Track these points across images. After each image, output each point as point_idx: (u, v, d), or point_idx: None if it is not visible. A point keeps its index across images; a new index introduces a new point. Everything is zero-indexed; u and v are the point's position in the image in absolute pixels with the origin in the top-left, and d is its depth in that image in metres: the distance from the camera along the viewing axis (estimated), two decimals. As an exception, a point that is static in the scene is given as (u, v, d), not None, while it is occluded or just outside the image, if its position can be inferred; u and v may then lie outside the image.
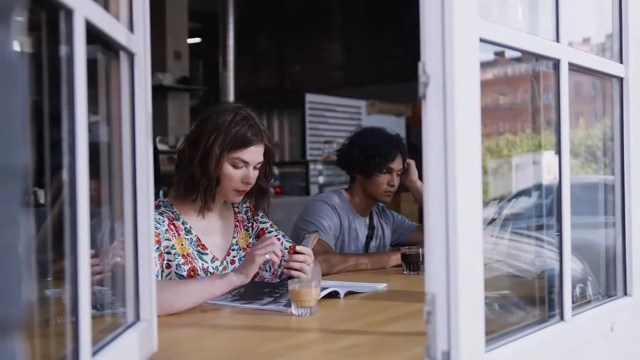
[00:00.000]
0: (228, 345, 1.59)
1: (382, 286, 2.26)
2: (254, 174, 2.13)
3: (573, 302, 1.47)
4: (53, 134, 0.97)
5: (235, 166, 2.09)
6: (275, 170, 7.32)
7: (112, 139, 1.30)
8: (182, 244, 2.09)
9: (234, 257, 2.21)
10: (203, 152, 2.06)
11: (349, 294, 2.09)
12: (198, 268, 2.09)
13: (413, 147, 3.99)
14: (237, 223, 2.27)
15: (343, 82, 8.88)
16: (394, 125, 6.65)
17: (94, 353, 1.04)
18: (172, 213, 2.12)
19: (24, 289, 0.55)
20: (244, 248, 2.25)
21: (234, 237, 2.24)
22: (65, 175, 0.95)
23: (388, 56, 8.50)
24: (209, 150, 2.06)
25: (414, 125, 7.74)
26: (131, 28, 1.30)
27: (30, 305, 0.57)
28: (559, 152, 1.44)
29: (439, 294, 1.10)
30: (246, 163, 2.10)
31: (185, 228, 2.12)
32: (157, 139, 6.33)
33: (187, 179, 2.10)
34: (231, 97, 7.28)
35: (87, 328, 0.98)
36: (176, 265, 2.04)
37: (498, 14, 1.48)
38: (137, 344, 1.26)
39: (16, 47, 0.56)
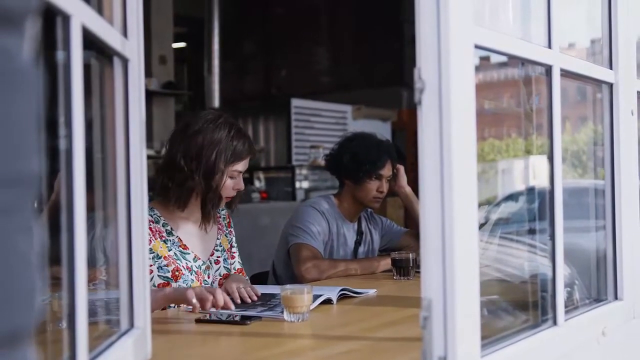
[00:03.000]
0: (222, 352, 1.59)
1: (372, 292, 2.26)
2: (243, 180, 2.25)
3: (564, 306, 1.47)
4: (47, 139, 0.96)
5: (232, 177, 2.20)
6: (261, 175, 7.30)
7: (105, 145, 1.29)
8: (163, 246, 2.14)
9: (217, 257, 2.29)
10: (206, 168, 2.13)
11: (343, 297, 2.09)
12: (182, 267, 2.14)
13: (398, 152, 3.98)
14: (220, 226, 2.35)
15: (329, 87, 8.87)
16: (380, 130, 6.63)
17: (90, 361, 1.03)
18: (152, 216, 2.16)
19: (37, 297, 0.55)
20: (226, 250, 2.34)
21: (218, 239, 2.32)
22: (62, 181, 0.95)
23: (374, 61, 8.52)
24: (213, 166, 2.14)
25: (399, 130, 7.75)
26: (125, 34, 1.29)
27: (41, 313, 0.56)
28: (551, 156, 1.45)
29: (435, 300, 1.10)
30: (240, 173, 2.22)
31: (166, 230, 2.18)
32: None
33: (186, 192, 2.15)
34: (216, 102, 7.25)
35: (84, 335, 0.97)
36: (159, 267, 2.10)
37: (490, 20, 1.48)
38: (132, 352, 1.25)
39: (29, 54, 0.56)
